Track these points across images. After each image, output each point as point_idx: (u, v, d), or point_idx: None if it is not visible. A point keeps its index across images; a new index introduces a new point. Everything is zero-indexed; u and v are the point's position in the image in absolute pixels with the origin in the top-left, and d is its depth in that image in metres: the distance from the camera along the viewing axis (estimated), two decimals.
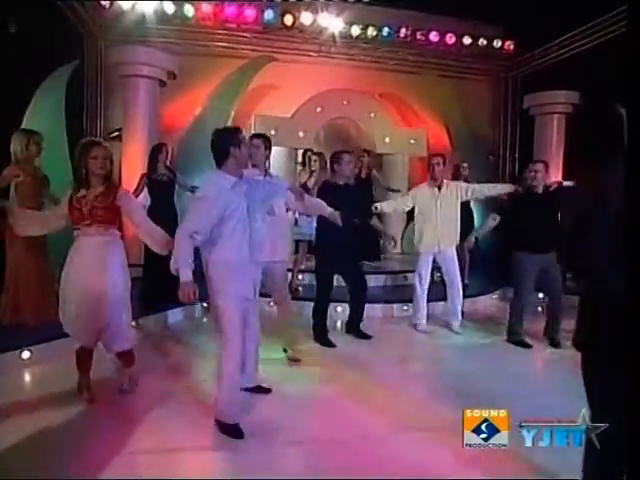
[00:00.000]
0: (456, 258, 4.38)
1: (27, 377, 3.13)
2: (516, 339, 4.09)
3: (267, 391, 2.98)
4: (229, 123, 7.03)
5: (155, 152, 4.57)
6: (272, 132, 6.83)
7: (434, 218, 4.25)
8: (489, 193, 4.35)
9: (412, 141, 7.35)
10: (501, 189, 4.34)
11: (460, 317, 4.43)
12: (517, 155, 8.59)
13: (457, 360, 3.85)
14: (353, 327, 4.20)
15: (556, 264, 3.97)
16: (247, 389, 2.90)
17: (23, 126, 4.53)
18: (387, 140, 7.28)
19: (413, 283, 4.51)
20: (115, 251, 2.67)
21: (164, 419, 2.62)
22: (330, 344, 3.93)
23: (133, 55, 5.83)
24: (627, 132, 1.77)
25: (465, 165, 5.67)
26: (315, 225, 4.66)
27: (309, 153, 5.77)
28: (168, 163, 4.77)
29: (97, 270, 2.58)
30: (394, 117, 7.97)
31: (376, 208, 4.28)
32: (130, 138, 5.83)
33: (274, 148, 6.86)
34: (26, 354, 3.17)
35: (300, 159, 6.91)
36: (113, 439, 2.38)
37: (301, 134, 6.92)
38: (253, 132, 6.85)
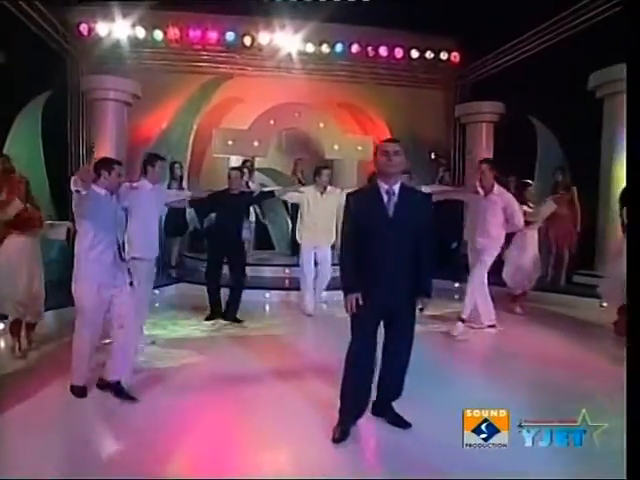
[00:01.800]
0: (329, 255, 5.46)
1: (2, 343, 4.34)
2: None
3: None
4: (192, 136, 8.25)
5: None
6: (230, 142, 8.02)
7: (314, 217, 5.30)
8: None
9: (359, 148, 8.39)
10: None
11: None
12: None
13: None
14: (231, 313, 5.15)
15: None
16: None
17: (6, 148, 5.76)
18: (336, 147, 8.33)
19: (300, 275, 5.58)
20: (32, 247, 3.92)
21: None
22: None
23: (101, 82, 7.05)
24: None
25: (406, 175, 6.75)
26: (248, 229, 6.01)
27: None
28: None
29: (22, 262, 3.83)
30: (345, 126, 8.98)
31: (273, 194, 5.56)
32: (101, 152, 7.02)
33: (234, 157, 8.16)
34: (0, 325, 4.39)
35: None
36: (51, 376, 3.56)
37: (256, 144, 8.03)
38: (214, 143, 8.07)
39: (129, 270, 3.53)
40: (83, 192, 3.14)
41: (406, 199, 2.64)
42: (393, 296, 2.62)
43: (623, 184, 5.45)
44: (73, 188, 3.18)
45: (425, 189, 5.51)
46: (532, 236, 5.56)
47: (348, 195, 2.77)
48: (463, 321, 4.78)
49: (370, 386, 2.73)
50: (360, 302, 2.56)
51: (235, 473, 2.44)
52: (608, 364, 4.04)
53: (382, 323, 2.73)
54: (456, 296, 6.15)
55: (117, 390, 3.20)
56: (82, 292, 3.15)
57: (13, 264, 3.84)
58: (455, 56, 9.30)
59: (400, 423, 2.78)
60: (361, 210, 2.64)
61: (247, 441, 2.77)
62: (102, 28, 8.07)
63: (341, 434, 2.67)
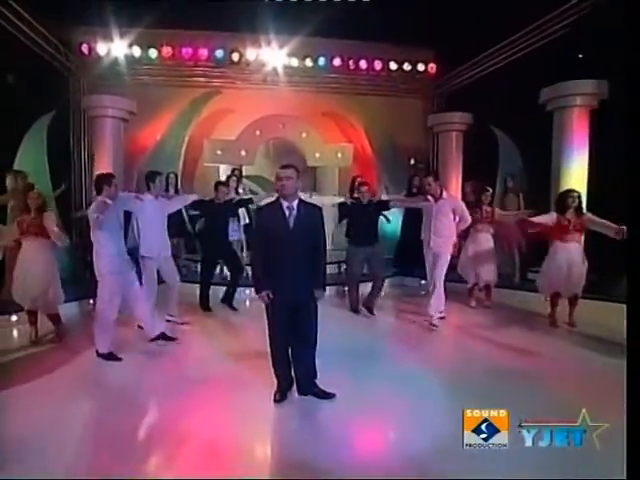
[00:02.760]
0: None
1: (15, 332, 5.21)
2: (353, 308, 6.08)
3: (171, 339, 4.86)
4: (184, 146, 9.11)
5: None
6: (219, 152, 8.86)
7: None
8: (329, 203, 6.32)
9: (339, 155, 9.20)
10: (334, 201, 6.47)
11: None
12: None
13: None
14: (228, 300, 6.20)
15: (379, 253, 5.92)
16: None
17: (16, 163, 6.62)
18: (317, 155, 9.13)
19: None
20: (45, 250, 4.73)
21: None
22: (209, 309, 6.10)
23: (100, 101, 7.91)
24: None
25: (360, 179, 7.52)
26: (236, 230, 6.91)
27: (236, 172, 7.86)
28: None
29: (35, 262, 4.64)
30: (329, 133, 9.78)
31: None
32: (100, 164, 7.91)
33: (223, 166, 8.99)
34: (14, 317, 5.25)
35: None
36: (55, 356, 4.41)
37: (243, 153, 8.86)
38: (205, 153, 8.91)
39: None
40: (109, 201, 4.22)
41: (303, 213, 3.41)
42: (296, 290, 3.39)
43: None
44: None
45: (384, 197, 6.35)
46: (483, 238, 6.33)
47: (257, 209, 3.62)
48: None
49: (288, 360, 3.56)
50: (270, 296, 3.37)
51: (208, 416, 3.33)
52: (531, 346, 4.88)
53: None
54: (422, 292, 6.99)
55: (165, 338, 4.76)
56: (100, 276, 4.34)
57: (26, 265, 4.69)
58: (432, 67, 10.01)
59: (326, 396, 3.58)
60: (268, 223, 3.43)
61: (215, 399, 3.70)
62: (102, 48, 8.93)
63: (279, 397, 3.50)
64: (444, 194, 5.64)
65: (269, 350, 3.56)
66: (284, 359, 3.54)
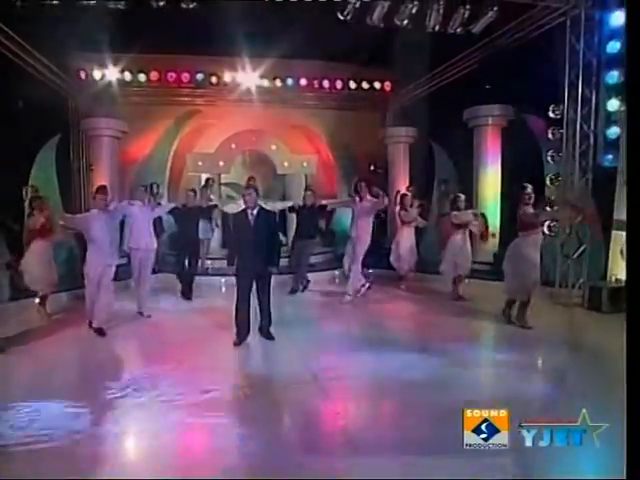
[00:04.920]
0: None
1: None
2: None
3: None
4: (170, 159, 10.77)
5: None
6: (200, 163, 10.51)
7: None
8: (279, 207, 7.98)
9: (305, 164, 10.86)
10: (285, 205, 8.05)
11: None
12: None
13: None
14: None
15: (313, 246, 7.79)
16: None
17: (31, 178, 8.24)
18: (286, 164, 10.78)
19: None
20: (51, 250, 6.39)
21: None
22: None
23: (96, 123, 9.62)
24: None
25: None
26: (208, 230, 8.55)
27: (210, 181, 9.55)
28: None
29: (41, 256, 6.28)
30: (298, 143, 11.45)
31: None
32: (97, 175, 9.58)
33: (204, 174, 10.63)
34: (36, 299, 6.86)
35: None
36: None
37: (221, 163, 10.51)
38: (188, 164, 10.56)
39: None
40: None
41: (261, 216, 5.17)
42: (256, 267, 5.13)
43: (486, 192, 7.94)
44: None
45: (323, 202, 8.03)
46: (408, 232, 8.00)
47: (233, 215, 5.27)
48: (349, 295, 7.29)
49: (249, 317, 5.25)
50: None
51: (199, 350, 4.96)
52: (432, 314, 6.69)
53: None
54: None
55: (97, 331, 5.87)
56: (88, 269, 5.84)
57: (37, 260, 6.30)
58: (387, 85, 11.70)
59: (269, 337, 5.35)
60: (237, 222, 5.22)
61: (197, 344, 5.38)
62: (97, 73, 10.53)
63: (238, 341, 5.25)
64: (367, 197, 7.19)
65: (234, 307, 5.27)
66: (244, 315, 5.25)
